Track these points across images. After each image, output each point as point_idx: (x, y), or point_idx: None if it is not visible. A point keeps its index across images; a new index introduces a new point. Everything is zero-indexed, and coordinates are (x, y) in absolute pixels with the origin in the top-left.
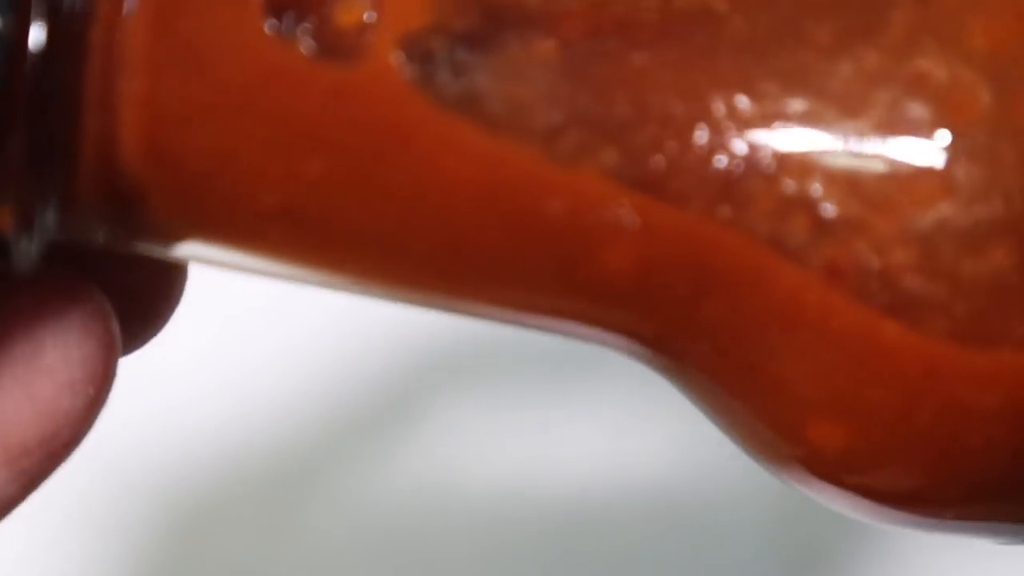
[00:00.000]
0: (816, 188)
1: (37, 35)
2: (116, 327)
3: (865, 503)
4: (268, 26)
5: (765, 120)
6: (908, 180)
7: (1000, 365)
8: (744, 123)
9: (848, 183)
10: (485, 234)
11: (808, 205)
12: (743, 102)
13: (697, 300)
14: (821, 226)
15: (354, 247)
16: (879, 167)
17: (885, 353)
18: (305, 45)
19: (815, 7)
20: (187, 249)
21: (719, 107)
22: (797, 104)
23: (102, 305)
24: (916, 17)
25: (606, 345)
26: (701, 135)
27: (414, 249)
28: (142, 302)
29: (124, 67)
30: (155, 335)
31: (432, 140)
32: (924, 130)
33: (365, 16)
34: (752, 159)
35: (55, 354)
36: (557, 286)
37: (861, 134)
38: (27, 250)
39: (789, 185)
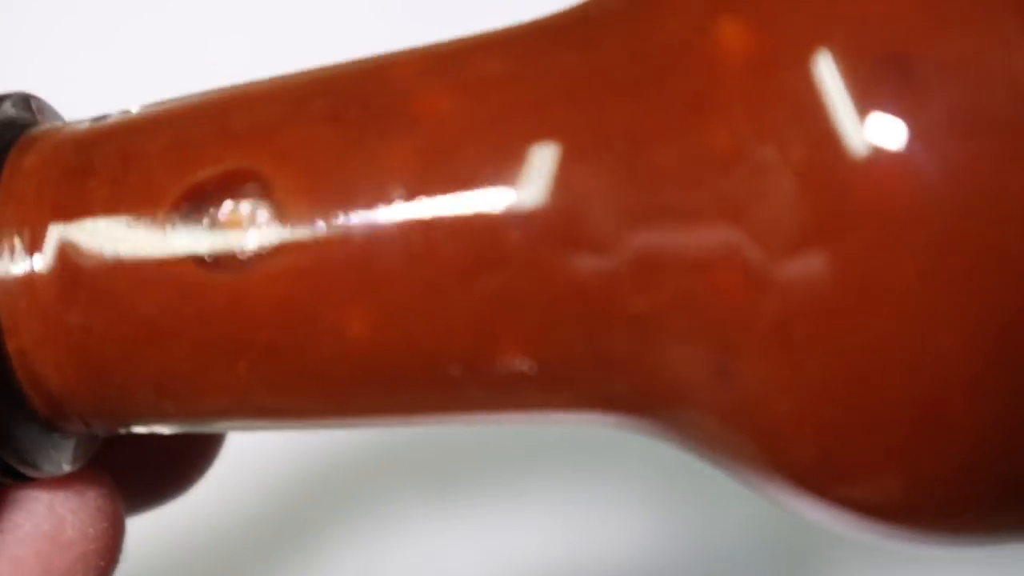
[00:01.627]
0: None
1: None
2: (122, 509)
3: (849, 516)
4: (172, 229)
5: None
6: None
7: None
8: None
9: None
10: (399, 387)
11: None
12: None
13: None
14: None
15: (297, 412)
16: None
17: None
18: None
19: None
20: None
21: None
22: None
23: (113, 489)
24: None
25: (587, 424)
26: None
27: (349, 403)
28: (176, 465)
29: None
30: (189, 489)
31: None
32: None
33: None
34: None
35: (74, 532)
36: (476, 409)
37: None
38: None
39: None
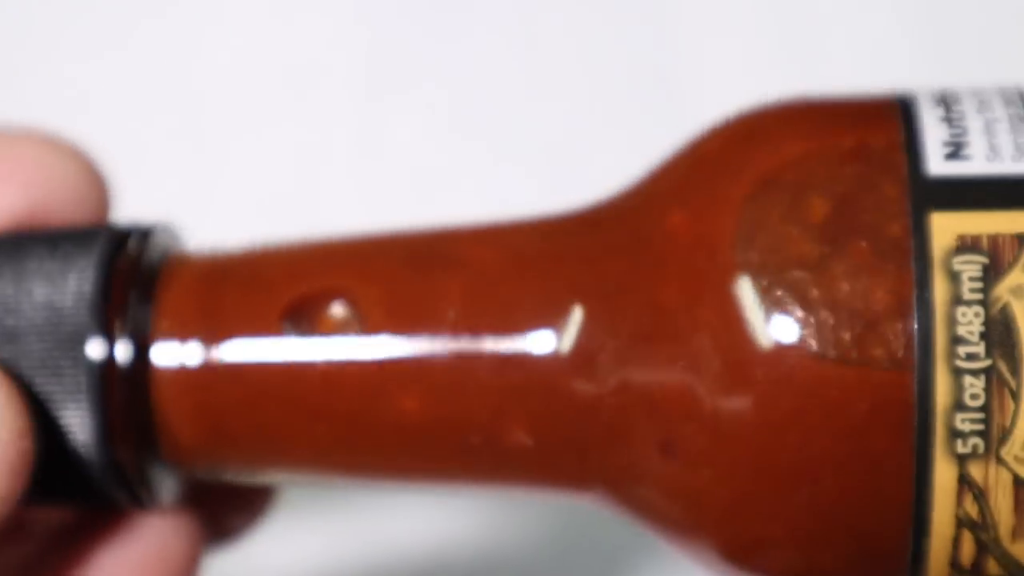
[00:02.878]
0: None
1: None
2: (200, 539)
3: None
4: (284, 329)
5: None
6: None
7: None
8: None
9: None
10: (433, 449)
11: None
12: None
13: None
14: None
15: (356, 469)
16: None
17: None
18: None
19: None
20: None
21: None
22: None
23: (199, 524)
24: None
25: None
26: None
27: (394, 465)
28: (241, 507)
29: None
30: (255, 528)
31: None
32: None
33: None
34: None
35: (177, 554)
36: (485, 474)
37: None
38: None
39: None
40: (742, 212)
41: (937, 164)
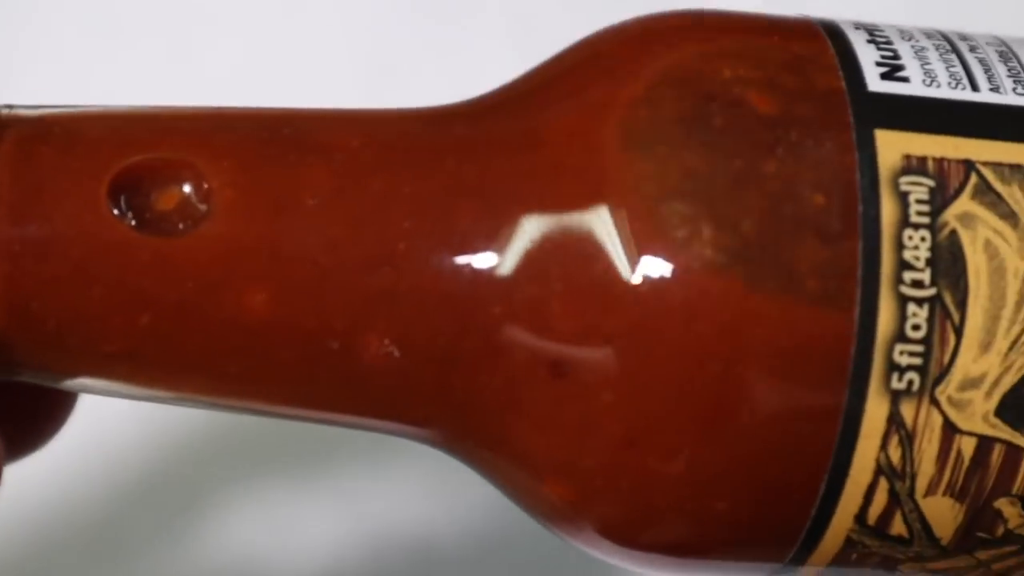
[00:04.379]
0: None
1: None
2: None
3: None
4: (109, 209)
5: None
6: None
7: None
8: None
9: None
10: (280, 356)
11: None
12: None
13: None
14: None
15: (183, 377)
16: None
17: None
18: (132, 223)
19: None
20: (53, 381)
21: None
22: None
23: None
24: None
25: (400, 435)
26: None
27: (228, 372)
28: (36, 415)
29: None
30: (46, 444)
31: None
32: None
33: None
34: None
35: None
36: (339, 392)
37: None
38: None
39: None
40: (635, 112)
41: (875, 82)
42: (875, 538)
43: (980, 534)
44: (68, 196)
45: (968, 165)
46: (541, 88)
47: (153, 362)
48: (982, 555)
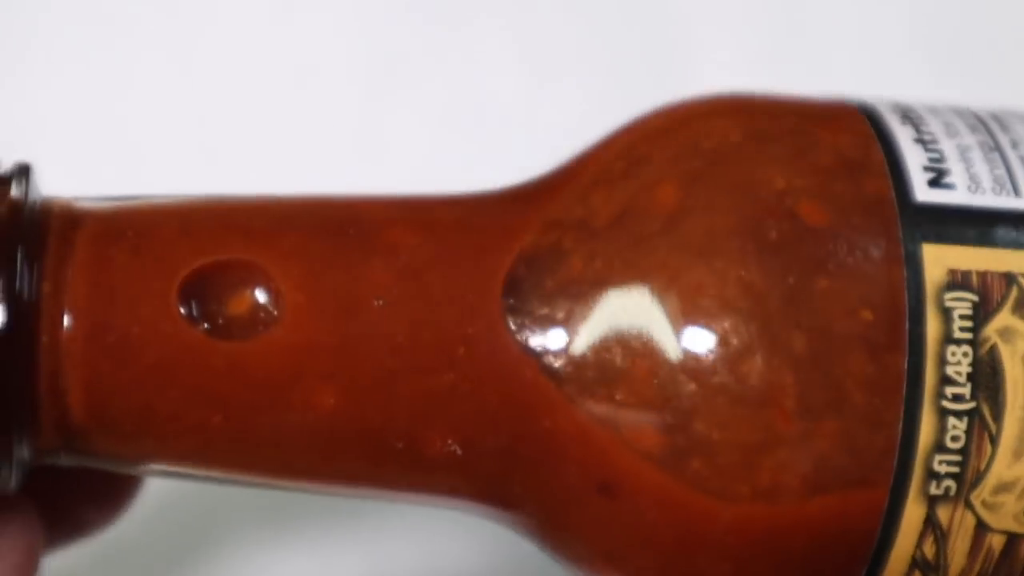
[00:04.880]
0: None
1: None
2: (41, 539)
3: None
4: (181, 312)
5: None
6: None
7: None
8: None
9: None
10: (346, 453)
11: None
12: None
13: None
14: None
15: (250, 469)
16: None
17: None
18: (205, 328)
19: None
20: (125, 469)
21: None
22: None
23: (34, 517)
24: None
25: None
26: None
27: (295, 466)
28: (104, 497)
29: (67, 359)
30: (112, 524)
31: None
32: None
33: (257, 300)
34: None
35: None
36: (402, 481)
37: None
38: (7, 479)
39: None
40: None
41: (922, 190)
42: None
43: None
44: (141, 301)
45: (1009, 278)
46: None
47: (223, 457)
48: None
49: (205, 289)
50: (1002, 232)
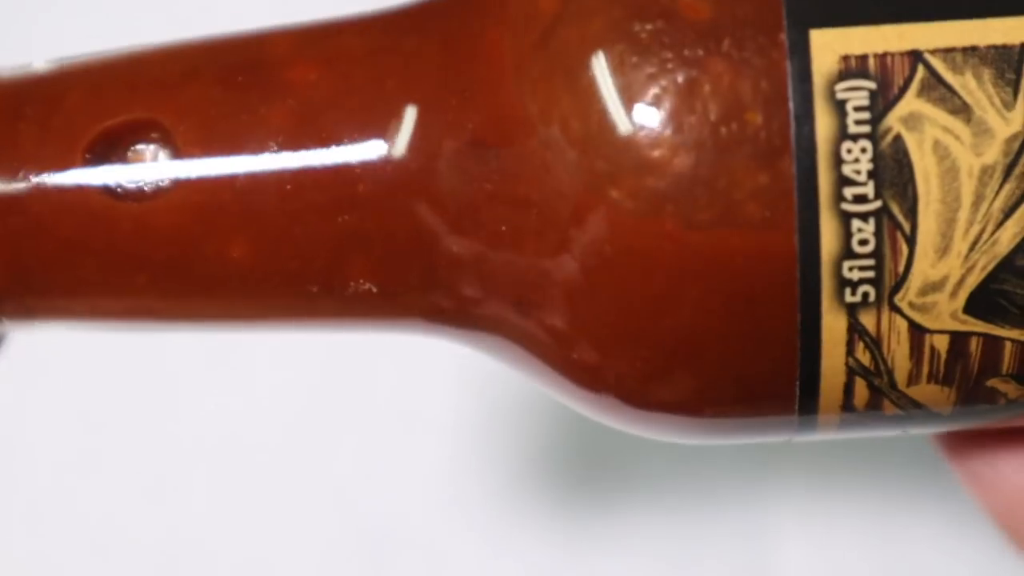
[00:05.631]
0: None
1: None
2: None
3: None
4: (88, 182)
5: None
6: None
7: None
8: None
9: None
10: (271, 300)
11: None
12: None
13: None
14: None
15: (187, 317)
16: None
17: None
18: (114, 192)
19: None
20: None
21: None
22: None
23: None
24: None
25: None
26: None
27: (232, 313)
28: None
29: None
30: None
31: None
32: None
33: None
34: None
35: None
36: (332, 318)
37: None
38: None
39: None
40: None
41: None
42: (870, 418)
43: (982, 405)
44: (47, 175)
45: (915, 57)
46: None
47: (158, 310)
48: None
49: (110, 152)
50: (906, 3)
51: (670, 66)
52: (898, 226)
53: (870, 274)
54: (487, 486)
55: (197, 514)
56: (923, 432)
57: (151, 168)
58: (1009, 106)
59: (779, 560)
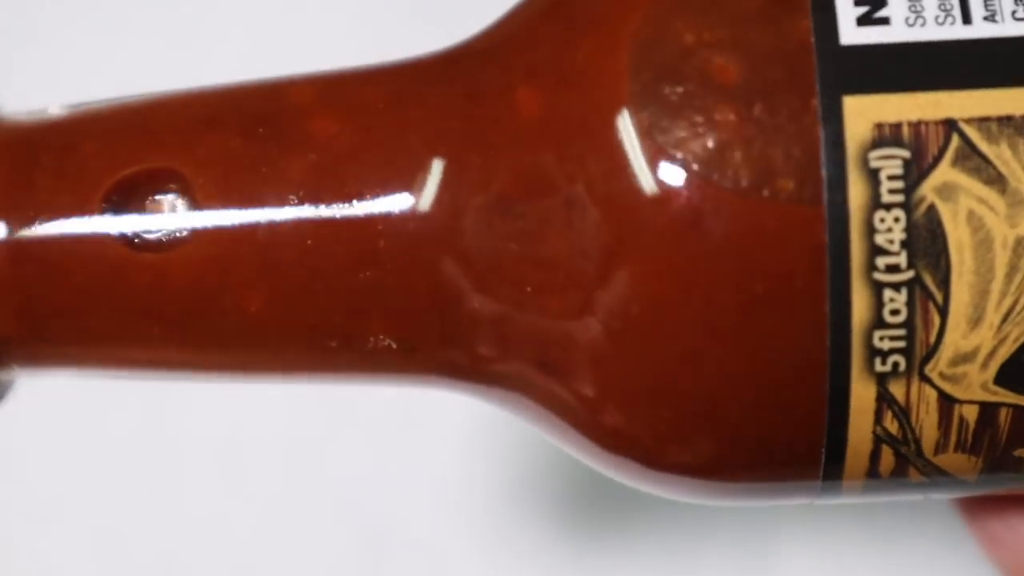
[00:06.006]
0: None
1: None
2: None
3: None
4: (103, 230)
5: None
6: None
7: None
8: None
9: None
10: (288, 352)
11: None
12: None
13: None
14: None
15: (202, 369)
16: None
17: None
18: (129, 242)
19: None
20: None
21: None
22: None
23: None
24: None
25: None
26: None
27: (247, 363)
28: None
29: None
30: None
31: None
32: None
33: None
34: None
35: None
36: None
37: None
38: None
39: None
40: (630, 48)
41: (849, 30)
42: (894, 484)
43: (1008, 474)
44: (62, 222)
45: (949, 126)
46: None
47: (172, 361)
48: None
49: (127, 201)
50: (942, 69)
51: (700, 130)
52: (930, 296)
53: (901, 344)
54: (490, 489)
55: (197, 515)
56: (945, 497)
57: (169, 218)
58: None
59: (779, 562)
